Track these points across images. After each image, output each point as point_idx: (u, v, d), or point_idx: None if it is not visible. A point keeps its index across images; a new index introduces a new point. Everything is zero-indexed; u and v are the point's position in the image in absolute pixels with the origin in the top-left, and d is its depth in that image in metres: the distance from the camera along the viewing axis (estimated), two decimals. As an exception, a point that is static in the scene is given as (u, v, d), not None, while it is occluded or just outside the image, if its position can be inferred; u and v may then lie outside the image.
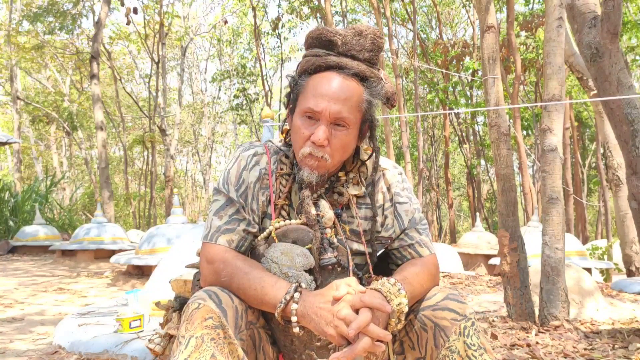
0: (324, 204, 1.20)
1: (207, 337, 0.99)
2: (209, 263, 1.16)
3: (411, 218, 1.27)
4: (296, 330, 1.05)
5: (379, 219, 1.26)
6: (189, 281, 1.35)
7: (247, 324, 1.09)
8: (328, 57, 1.16)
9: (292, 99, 1.22)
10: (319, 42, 1.18)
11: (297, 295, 1.04)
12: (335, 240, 1.19)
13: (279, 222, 1.19)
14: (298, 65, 1.22)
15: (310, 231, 1.17)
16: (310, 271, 1.14)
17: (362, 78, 1.17)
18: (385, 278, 1.12)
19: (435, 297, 1.15)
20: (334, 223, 1.20)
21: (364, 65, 1.17)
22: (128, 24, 10.14)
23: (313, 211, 1.18)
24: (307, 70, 1.18)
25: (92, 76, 11.28)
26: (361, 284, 1.20)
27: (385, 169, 1.31)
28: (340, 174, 1.25)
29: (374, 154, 1.27)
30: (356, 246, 1.23)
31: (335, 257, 1.16)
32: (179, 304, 1.29)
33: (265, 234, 1.20)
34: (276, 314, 1.06)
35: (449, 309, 1.10)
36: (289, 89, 1.24)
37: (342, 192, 1.23)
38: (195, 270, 1.32)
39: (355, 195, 1.25)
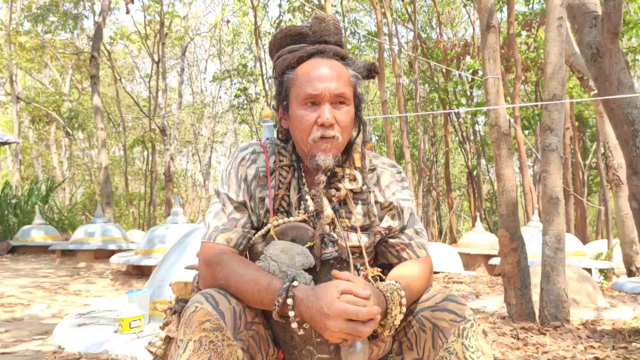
0: (323, 201, 1.20)
1: (205, 340, 0.99)
2: (207, 266, 1.16)
3: (410, 217, 1.28)
4: (294, 325, 1.05)
5: (377, 213, 1.26)
6: (189, 283, 1.35)
7: (246, 324, 1.08)
8: (305, 47, 1.21)
9: (283, 96, 1.23)
10: (289, 39, 1.23)
11: (290, 300, 1.04)
12: (334, 235, 1.19)
13: (277, 219, 1.19)
14: (275, 67, 1.25)
15: (309, 229, 1.17)
16: (309, 270, 1.14)
17: (341, 57, 1.22)
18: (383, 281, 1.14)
19: (434, 298, 1.15)
20: (332, 219, 1.21)
21: (337, 47, 1.23)
22: (127, 12, 10.17)
23: (325, 204, 1.18)
24: (290, 65, 1.21)
25: (92, 76, 11.29)
26: None
27: (385, 167, 1.31)
28: (337, 169, 1.25)
29: (361, 130, 1.28)
30: (354, 241, 1.23)
31: (336, 251, 1.16)
32: (180, 307, 1.29)
33: (263, 231, 1.20)
34: (274, 316, 1.06)
35: (448, 310, 1.10)
36: (276, 90, 1.25)
37: (339, 187, 1.23)
38: (196, 272, 1.32)
39: (351, 190, 1.25)
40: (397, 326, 1.11)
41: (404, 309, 1.09)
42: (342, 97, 1.17)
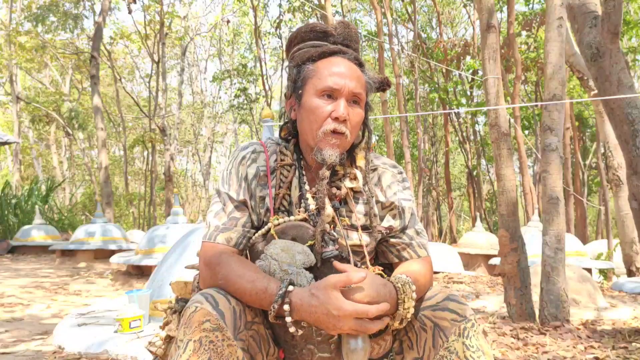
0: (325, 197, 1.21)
1: (205, 340, 0.99)
2: (207, 265, 1.16)
3: (411, 217, 1.28)
4: (292, 330, 1.05)
5: (378, 213, 1.26)
6: (189, 283, 1.35)
7: (246, 323, 1.08)
8: (328, 45, 1.23)
9: (299, 85, 1.23)
10: (313, 34, 1.25)
11: (286, 307, 1.04)
12: (335, 234, 1.19)
13: (277, 219, 1.19)
14: (294, 57, 1.26)
15: (310, 227, 1.17)
16: (310, 269, 1.14)
17: (359, 63, 1.25)
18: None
19: (435, 298, 1.15)
20: (332, 218, 1.21)
21: (356, 53, 1.26)
22: (130, 12, 10.20)
23: (327, 205, 1.19)
24: (311, 58, 1.22)
25: (92, 76, 11.29)
26: None
27: (386, 167, 1.31)
28: (338, 168, 1.25)
29: (367, 137, 1.30)
30: (355, 240, 1.23)
31: (336, 249, 1.16)
32: (180, 307, 1.29)
33: (263, 230, 1.20)
34: (270, 320, 1.06)
35: (449, 310, 1.11)
36: (291, 78, 1.26)
37: (340, 186, 1.24)
38: (196, 272, 1.32)
39: (352, 189, 1.25)
40: (408, 319, 1.10)
41: (413, 303, 1.09)
42: (357, 97, 1.20)
